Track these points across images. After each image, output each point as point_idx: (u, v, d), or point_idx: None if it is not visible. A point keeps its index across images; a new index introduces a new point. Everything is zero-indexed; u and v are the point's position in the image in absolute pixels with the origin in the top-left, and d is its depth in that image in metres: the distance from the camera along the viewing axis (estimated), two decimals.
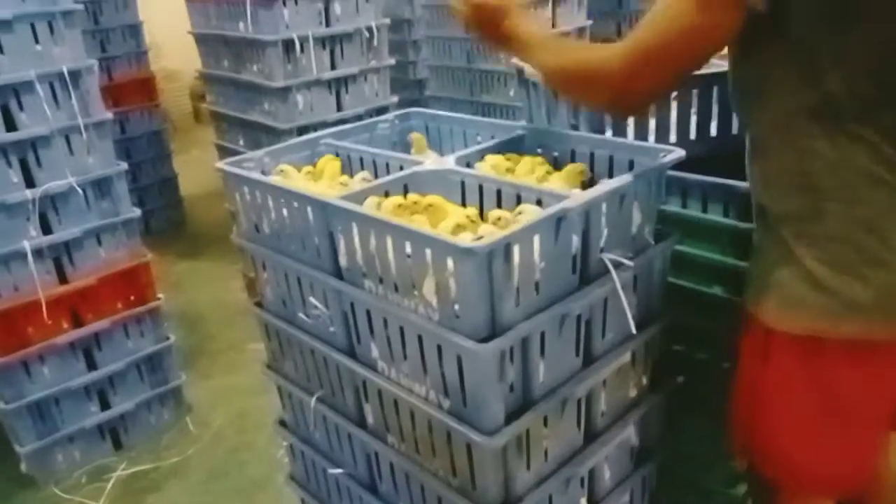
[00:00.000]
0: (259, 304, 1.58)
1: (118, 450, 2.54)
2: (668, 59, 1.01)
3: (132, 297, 2.46)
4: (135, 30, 4.27)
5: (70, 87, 2.21)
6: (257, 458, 2.43)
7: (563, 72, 1.17)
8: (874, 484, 1.13)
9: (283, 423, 1.72)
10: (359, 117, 3.04)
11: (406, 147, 1.69)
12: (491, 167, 1.40)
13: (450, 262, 1.04)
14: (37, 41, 2.16)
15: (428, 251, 1.07)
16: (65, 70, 2.18)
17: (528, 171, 1.40)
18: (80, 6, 2.26)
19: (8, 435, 2.39)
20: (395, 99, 3.27)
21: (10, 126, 2.15)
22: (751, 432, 1.18)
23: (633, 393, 1.39)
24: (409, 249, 1.10)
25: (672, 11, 0.97)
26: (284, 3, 2.77)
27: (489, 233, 1.11)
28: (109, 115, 2.34)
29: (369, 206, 1.24)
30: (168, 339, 2.60)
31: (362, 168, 1.56)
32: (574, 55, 1.17)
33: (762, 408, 1.13)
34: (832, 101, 0.93)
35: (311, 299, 1.37)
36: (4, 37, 2.09)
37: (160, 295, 2.54)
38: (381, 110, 3.14)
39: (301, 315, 1.43)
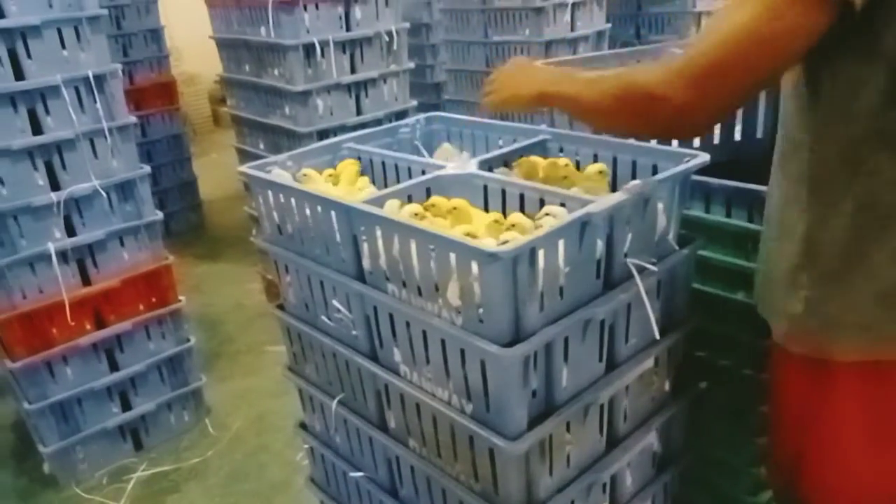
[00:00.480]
0: (281, 307, 1.59)
1: (138, 451, 2.56)
2: (739, 73, 0.87)
3: (154, 299, 2.48)
4: (156, 34, 4.32)
5: (95, 92, 2.24)
6: (276, 460, 2.44)
7: (613, 100, 1.01)
8: None
9: (303, 426, 1.72)
10: (378, 121, 3.05)
11: (428, 151, 1.70)
12: (526, 172, 1.40)
13: (474, 267, 1.04)
14: (63, 46, 2.19)
15: (452, 255, 1.07)
16: (90, 74, 2.21)
17: (556, 172, 1.39)
18: (105, 11, 2.29)
19: (31, 435, 2.42)
20: (414, 103, 3.27)
21: (37, 130, 2.18)
22: (800, 468, 1.12)
23: (655, 399, 1.39)
24: (433, 253, 1.11)
25: (745, 14, 0.84)
26: (305, 8, 2.79)
27: (513, 237, 1.11)
28: (133, 118, 2.37)
29: (390, 209, 1.24)
30: (189, 340, 2.62)
31: (384, 172, 1.57)
32: (623, 80, 1.01)
33: (818, 443, 1.07)
34: None
35: (334, 302, 1.38)
36: (32, 42, 2.12)
37: (181, 297, 2.56)
38: (401, 114, 3.14)
39: (323, 318, 1.44)
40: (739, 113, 1.54)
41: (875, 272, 0.95)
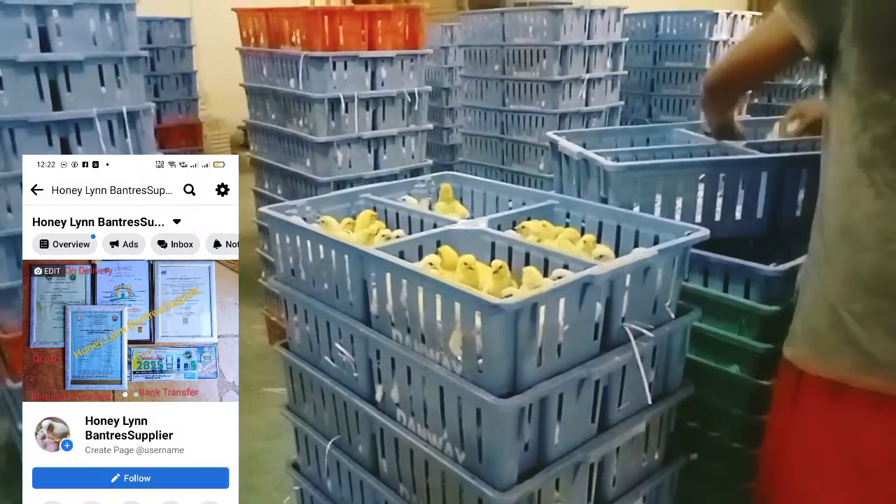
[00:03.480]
0: (285, 346, 1.63)
1: None
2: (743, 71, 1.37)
3: None
4: (188, 78, 4.50)
5: (127, 126, 2.34)
6: (264, 502, 2.42)
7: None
8: None
9: (295, 466, 1.73)
10: (394, 176, 3.14)
11: None
12: (535, 233, 1.46)
13: (477, 317, 1.09)
14: (102, 82, 2.30)
15: (457, 305, 1.12)
16: (124, 110, 2.32)
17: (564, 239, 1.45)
18: (146, 53, 2.42)
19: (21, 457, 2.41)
20: (429, 161, 3.38)
21: None
22: (775, 477, 1.22)
23: (645, 464, 1.40)
24: (439, 302, 1.16)
25: (749, 42, 1.37)
26: (334, 66, 2.93)
27: (518, 290, 1.16)
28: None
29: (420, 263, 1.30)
30: None
31: (398, 223, 1.64)
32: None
33: (787, 451, 1.17)
34: (879, 149, 1.02)
35: (337, 344, 1.42)
36: (73, 76, 2.24)
37: None
38: (416, 171, 3.24)
39: (326, 359, 1.47)
40: (741, 194, 1.61)
41: (845, 303, 1.08)
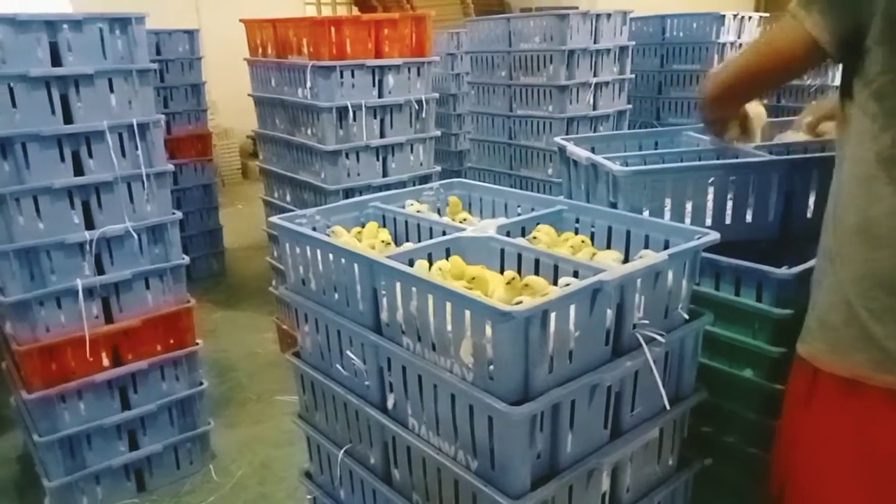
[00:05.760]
0: (297, 355, 1.63)
1: (140, 491, 2.55)
2: (744, 88, 1.38)
3: (172, 341, 2.53)
4: (197, 89, 4.53)
5: (137, 139, 2.36)
6: None
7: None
8: None
9: (308, 475, 1.74)
10: (402, 183, 3.15)
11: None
12: (546, 244, 1.46)
13: (488, 325, 1.08)
14: (112, 95, 2.32)
15: (467, 312, 1.12)
16: (134, 123, 2.33)
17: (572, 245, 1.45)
18: (155, 65, 2.43)
19: (36, 468, 2.43)
20: (437, 168, 3.38)
21: (78, 171, 2.29)
22: (788, 476, 1.21)
23: (659, 470, 1.39)
24: (449, 310, 1.15)
25: (756, 54, 1.28)
26: (342, 74, 2.94)
27: (529, 294, 1.16)
28: (171, 166, 2.48)
29: (418, 268, 1.30)
30: (202, 384, 2.65)
31: (406, 230, 1.64)
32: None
33: (801, 448, 1.17)
34: None
35: (349, 352, 1.42)
36: (84, 89, 2.26)
37: (199, 340, 2.61)
38: (425, 178, 3.25)
39: (338, 367, 1.48)
40: (751, 196, 1.60)
41: (861, 301, 1.07)
